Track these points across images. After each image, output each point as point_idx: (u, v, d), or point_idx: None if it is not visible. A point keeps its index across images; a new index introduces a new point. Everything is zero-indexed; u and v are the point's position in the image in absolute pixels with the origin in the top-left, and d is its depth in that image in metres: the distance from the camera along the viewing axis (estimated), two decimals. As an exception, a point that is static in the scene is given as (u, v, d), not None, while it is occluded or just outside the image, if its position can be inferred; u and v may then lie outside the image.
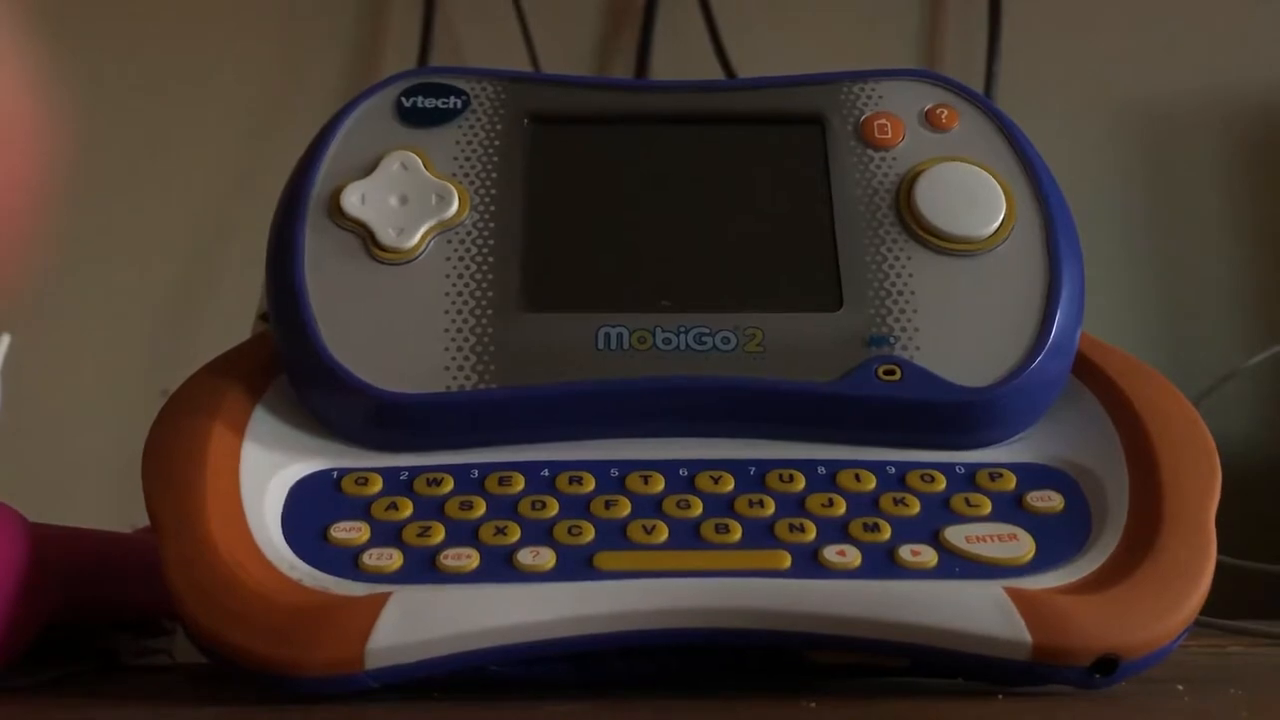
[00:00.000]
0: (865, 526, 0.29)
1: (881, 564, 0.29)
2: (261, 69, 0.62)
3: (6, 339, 0.36)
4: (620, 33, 0.61)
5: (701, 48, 0.59)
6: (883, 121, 0.34)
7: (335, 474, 0.31)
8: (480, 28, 0.61)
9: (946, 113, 0.35)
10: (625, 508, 0.30)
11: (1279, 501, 0.54)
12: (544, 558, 0.28)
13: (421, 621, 0.27)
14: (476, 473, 0.30)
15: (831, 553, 0.29)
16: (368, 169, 0.33)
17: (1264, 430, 0.58)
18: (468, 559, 0.28)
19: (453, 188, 0.33)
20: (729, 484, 0.30)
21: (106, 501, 0.45)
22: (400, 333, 0.31)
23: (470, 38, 0.61)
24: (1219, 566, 0.29)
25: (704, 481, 0.30)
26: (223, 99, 0.62)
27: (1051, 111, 0.59)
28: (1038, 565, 0.29)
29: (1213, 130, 0.61)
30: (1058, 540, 0.30)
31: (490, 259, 0.32)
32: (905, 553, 0.29)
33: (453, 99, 0.34)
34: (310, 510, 0.30)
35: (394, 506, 0.30)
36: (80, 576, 0.33)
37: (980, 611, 0.27)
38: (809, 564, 0.29)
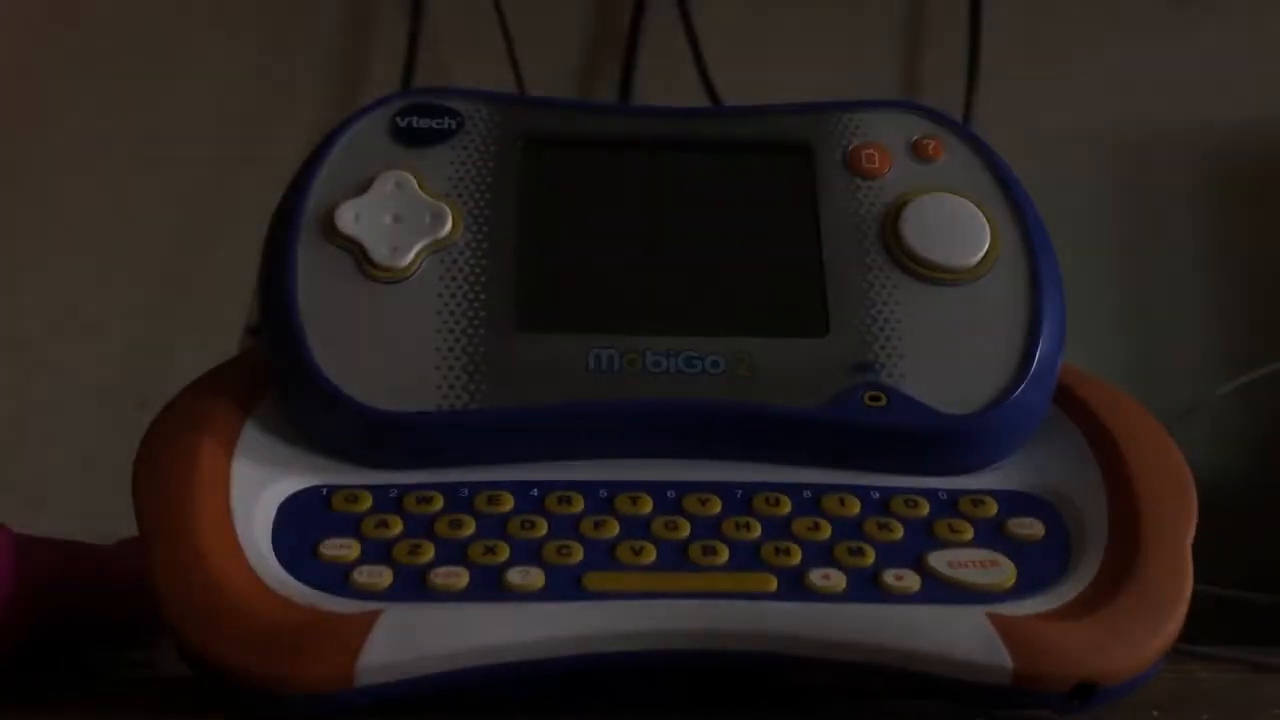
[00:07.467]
0: (850, 550, 0.30)
1: (866, 588, 0.29)
2: (245, 85, 0.62)
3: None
4: (605, 57, 0.62)
5: (685, 73, 0.60)
6: (870, 151, 0.35)
7: (325, 490, 0.31)
8: (465, 49, 0.61)
9: (933, 144, 0.35)
10: (614, 528, 0.30)
11: (1248, 528, 0.55)
12: (533, 577, 0.29)
13: (412, 639, 0.27)
14: (466, 491, 0.31)
15: (817, 576, 0.29)
16: (362, 188, 0.33)
17: (1234, 458, 0.59)
18: (457, 578, 0.29)
19: (446, 207, 0.33)
20: (716, 506, 0.31)
21: (82, 511, 0.45)
22: (392, 351, 0.31)
23: (455, 59, 0.62)
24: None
25: (692, 503, 0.31)
26: (204, 113, 0.61)
27: (1027, 141, 0.60)
28: (1019, 591, 0.29)
29: (1186, 161, 0.62)
30: (1038, 566, 0.30)
31: (483, 279, 0.32)
32: (889, 577, 0.29)
33: (447, 120, 0.35)
34: (300, 526, 0.30)
35: (384, 524, 0.30)
36: (59, 587, 0.33)
37: (962, 636, 0.28)
38: (795, 587, 0.29)
